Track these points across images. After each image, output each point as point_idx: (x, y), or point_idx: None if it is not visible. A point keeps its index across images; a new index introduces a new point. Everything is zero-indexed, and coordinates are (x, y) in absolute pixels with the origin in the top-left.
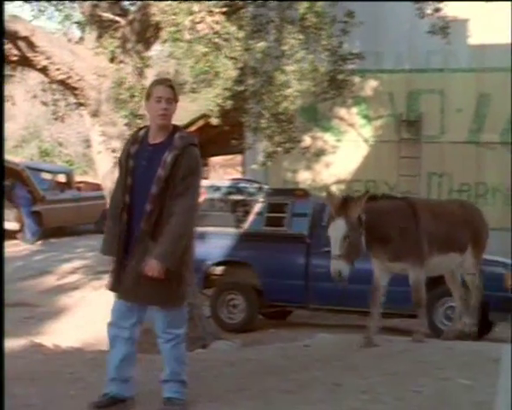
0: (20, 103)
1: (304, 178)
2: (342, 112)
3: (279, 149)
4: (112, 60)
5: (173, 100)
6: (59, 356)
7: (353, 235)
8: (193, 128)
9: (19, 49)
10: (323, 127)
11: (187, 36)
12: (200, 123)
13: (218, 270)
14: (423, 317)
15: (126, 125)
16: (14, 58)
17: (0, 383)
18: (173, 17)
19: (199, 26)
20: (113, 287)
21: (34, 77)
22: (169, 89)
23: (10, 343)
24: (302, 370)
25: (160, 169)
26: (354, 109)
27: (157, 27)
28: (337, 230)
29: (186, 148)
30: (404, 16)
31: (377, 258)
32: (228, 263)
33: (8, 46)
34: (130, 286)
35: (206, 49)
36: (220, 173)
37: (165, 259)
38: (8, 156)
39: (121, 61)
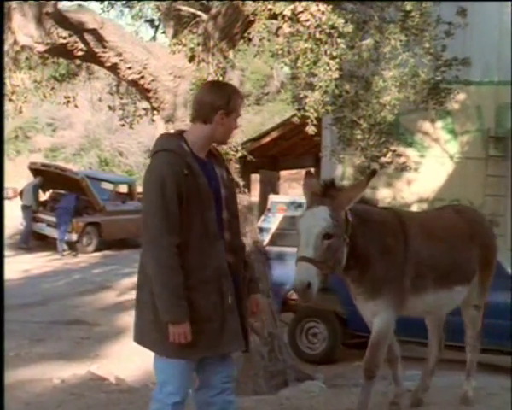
0: (80, 111)
1: (383, 195)
2: (426, 126)
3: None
4: (191, 59)
5: None
6: (124, 396)
7: (337, 234)
8: (267, 140)
9: (86, 42)
10: (406, 142)
11: (286, 29)
12: (274, 135)
13: None
14: (367, 393)
15: None
16: (80, 53)
17: (0, 383)
18: (270, 7)
19: (301, 17)
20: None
21: (102, 77)
22: None
23: (66, 372)
24: None
25: (223, 189)
26: (439, 123)
27: (245, 22)
28: (315, 221)
29: (225, 161)
30: (492, 23)
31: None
32: None
33: (72, 39)
34: (235, 334)
35: (307, 46)
36: (285, 187)
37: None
38: (66, 165)
39: (202, 61)
